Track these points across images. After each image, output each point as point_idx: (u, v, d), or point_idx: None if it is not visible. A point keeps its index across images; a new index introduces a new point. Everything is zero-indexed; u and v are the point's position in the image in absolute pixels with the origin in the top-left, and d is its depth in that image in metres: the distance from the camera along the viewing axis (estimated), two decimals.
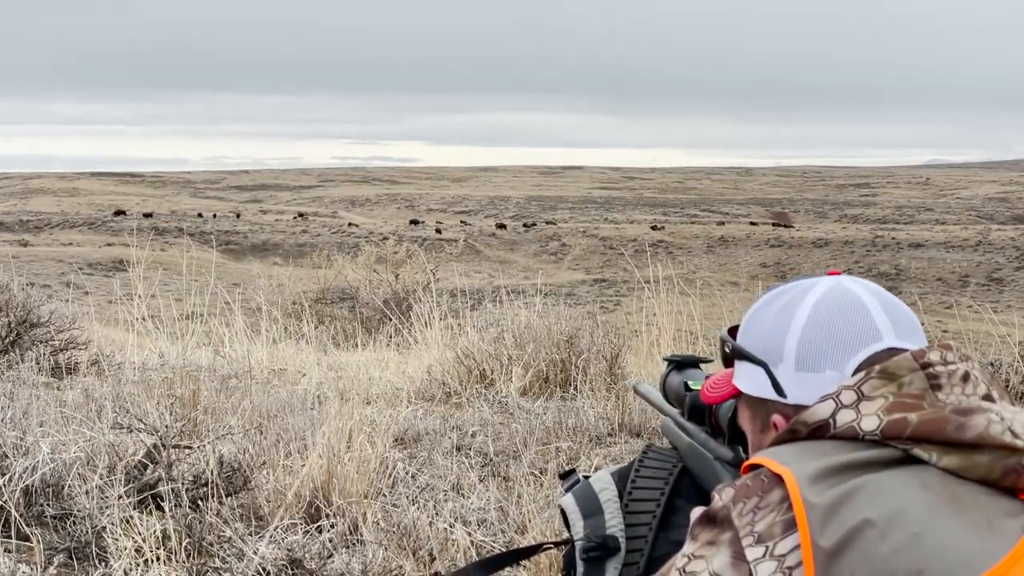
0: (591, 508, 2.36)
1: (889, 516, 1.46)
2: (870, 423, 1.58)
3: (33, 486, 4.24)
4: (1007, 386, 7.90)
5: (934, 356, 1.63)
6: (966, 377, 1.63)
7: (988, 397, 1.62)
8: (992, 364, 8.14)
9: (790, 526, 1.50)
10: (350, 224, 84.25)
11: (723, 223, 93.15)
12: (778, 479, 1.55)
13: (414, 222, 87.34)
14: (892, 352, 1.67)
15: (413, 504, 4.52)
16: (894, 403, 1.58)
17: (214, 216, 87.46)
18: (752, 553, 1.52)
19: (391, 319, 11.39)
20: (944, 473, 1.53)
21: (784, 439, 1.66)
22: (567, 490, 2.46)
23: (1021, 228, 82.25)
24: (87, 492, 4.16)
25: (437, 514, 4.25)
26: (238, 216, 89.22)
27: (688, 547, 1.60)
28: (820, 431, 1.62)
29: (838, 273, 1.85)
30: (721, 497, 1.59)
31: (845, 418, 1.60)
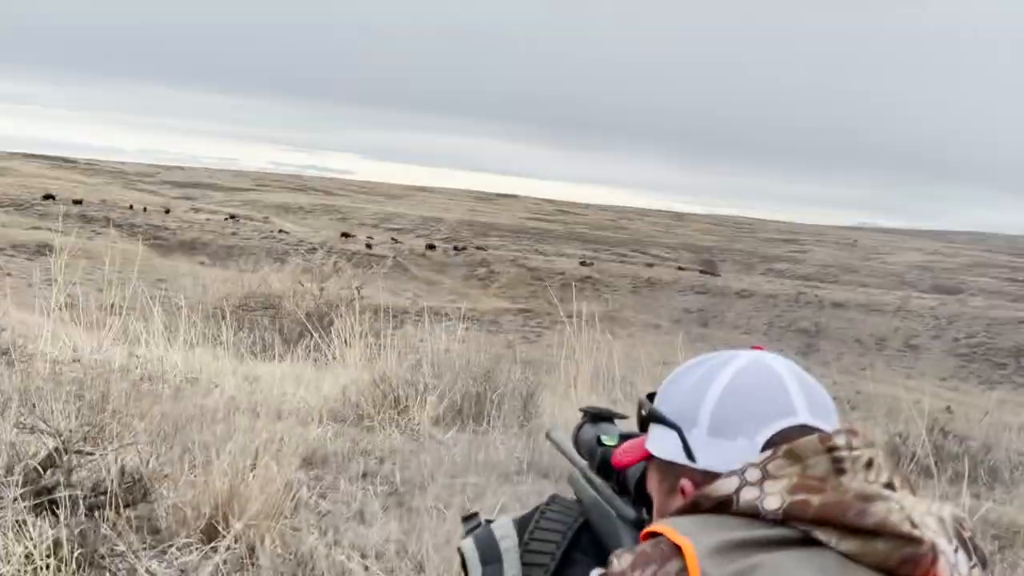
0: (490, 556, 2.36)
1: None
2: (772, 502, 1.59)
3: None
4: (914, 458, 8.02)
5: (840, 440, 1.65)
6: (870, 463, 1.64)
7: (890, 485, 1.64)
8: (900, 436, 8.26)
9: None
10: (281, 231, 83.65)
11: (651, 265, 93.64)
12: (677, 549, 1.56)
13: (345, 235, 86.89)
14: (804, 429, 1.69)
15: (314, 529, 4.48)
16: (798, 484, 1.60)
17: (144, 209, 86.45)
18: None
19: (312, 333, 11.31)
20: (842, 557, 1.54)
21: (686, 510, 1.67)
22: (468, 532, 2.46)
23: (940, 298, 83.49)
24: None
25: (336, 543, 4.21)
26: (167, 212, 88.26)
27: None
28: (723, 506, 1.63)
29: (762, 348, 1.87)
30: (619, 563, 1.59)
31: (748, 496, 1.61)
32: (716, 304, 75.01)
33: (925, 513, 1.59)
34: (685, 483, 1.77)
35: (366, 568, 3.98)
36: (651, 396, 1.95)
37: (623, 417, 2.55)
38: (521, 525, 2.40)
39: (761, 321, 72.14)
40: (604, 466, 2.39)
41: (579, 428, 2.55)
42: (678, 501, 1.75)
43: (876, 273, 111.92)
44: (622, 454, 2.01)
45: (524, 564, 2.32)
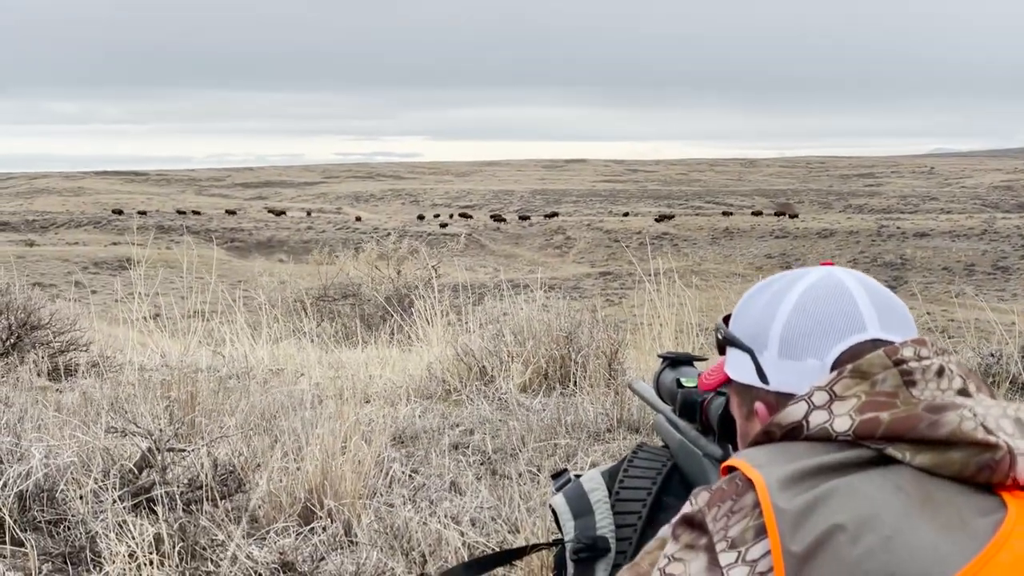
0: (581, 508, 2.37)
1: (860, 520, 1.46)
2: (842, 424, 1.57)
3: (27, 491, 4.24)
4: (1008, 377, 7.88)
5: (907, 352, 1.61)
6: (941, 372, 1.61)
7: (964, 391, 1.60)
8: (993, 355, 8.12)
9: (761, 531, 1.50)
10: (356, 218, 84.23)
11: (728, 214, 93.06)
12: (751, 483, 1.54)
13: (421, 217, 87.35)
14: (876, 344, 1.66)
15: (409, 504, 4.51)
16: (866, 402, 1.57)
17: (203, 214, 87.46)
18: (725, 558, 1.51)
19: (393, 316, 11.39)
20: (918, 472, 1.52)
21: (760, 440, 1.66)
22: (558, 490, 2.46)
23: None
24: (81, 497, 4.16)
25: (431, 514, 4.24)
26: (235, 213, 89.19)
27: (670, 547, 1.59)
28: (794, 432, 1.61)
29: (832, 263, 1.84)
30: (697, 501, 1.58)
31: (818, 419, 1.59)
32: (797, 246, 74.43)
33: (1000, 416, 1.55)
34: (759, 406, 1.76)
35: (461, 534, 4.00)
36: (727, 319, 1.94)
37: (702, 359, 2.54)
38: (611, 476, 2.40)
39: (845, 259, 71.42)
40: (686, 408, 2.39)
41: (659, 374, 2.55)
42: (756, 425, 1.74)
43: (957, 198, 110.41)
44: (706, 377, 2.00)
45: (616, 513, 2.32)
